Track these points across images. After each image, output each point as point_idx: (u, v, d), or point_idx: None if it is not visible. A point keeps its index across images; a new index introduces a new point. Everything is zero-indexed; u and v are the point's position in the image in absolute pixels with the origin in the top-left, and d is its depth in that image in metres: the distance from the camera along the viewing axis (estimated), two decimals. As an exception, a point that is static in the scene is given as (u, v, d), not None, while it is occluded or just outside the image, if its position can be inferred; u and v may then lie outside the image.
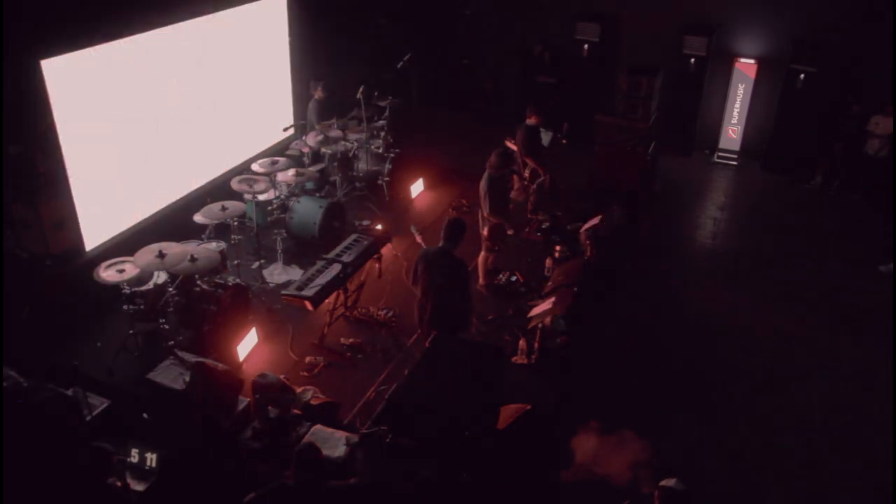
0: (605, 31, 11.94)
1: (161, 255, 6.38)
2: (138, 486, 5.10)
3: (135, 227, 8.02)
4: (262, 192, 7.91)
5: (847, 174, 10.97)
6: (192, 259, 6.48)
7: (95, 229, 7.56)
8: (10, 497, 4.62)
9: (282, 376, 5.92)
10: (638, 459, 5.92)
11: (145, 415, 5.73)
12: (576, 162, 10.35)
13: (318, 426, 5.51)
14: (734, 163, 12.00)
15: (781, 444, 6.47)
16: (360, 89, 9.42)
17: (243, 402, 5.84)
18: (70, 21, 6.80)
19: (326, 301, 7.01)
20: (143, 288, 6.78)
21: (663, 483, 4.40)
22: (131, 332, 6.80)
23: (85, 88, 7.16)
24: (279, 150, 9.86)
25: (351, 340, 7.29)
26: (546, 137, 9.73)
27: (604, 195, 9.40)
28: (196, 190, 8.81)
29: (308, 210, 8.36)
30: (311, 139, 9.31)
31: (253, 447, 5.40)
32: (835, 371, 7.39)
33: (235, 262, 7.95)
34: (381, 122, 10.04)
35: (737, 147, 11.98)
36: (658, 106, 11.68)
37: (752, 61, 11.46)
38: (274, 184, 8.27)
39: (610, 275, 8.00)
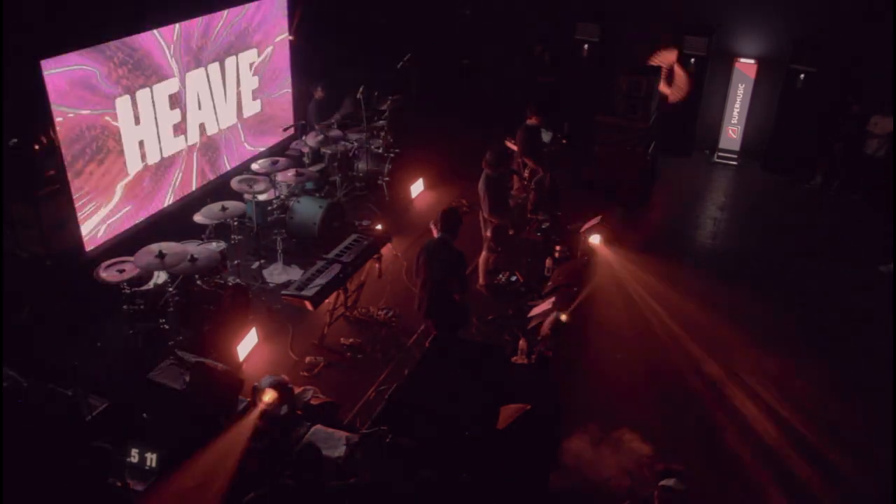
0: (605, 31, 11.94)
1: (161, 255, 6.38)
2: (138, 486, 5.10)
3: (135, 227, 8.01)
4: (262, 192, 7.92)
5: (847, 174, 10.97)
6: (192, 259, 6.48)
7: (95, 229, 7.56)
8: (10, 497, 4.62)
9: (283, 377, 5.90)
10: (636, 461, 5.93)
11: (145, 415, 5.73)
12: (576, 162, 10.35)
13: (318, 426, 5.51)
14: (734, 163, 12.00)
15: (781, 445, 6.46)
16: (360, 89, 9.42)
17: (243, 402, 5.83)
18: (70, 21, 6.80)
19: (326, 301, 7.01)
20: (143, 288, 6.78)
21: (663, 483, 4.40)
22: (131, 332, 6.80)
23: (85, 88, 7.16)
24: (279, 150, 9.87)
25: (351, 340, 7.29)
26: (546, 137, 9.74)
27: (604, 195, 9.41)
28: (196, 190, 8.81)
29: (308, 210, 8.36)
30: (311, 139, 9.31)
31: (253, 447, 5.40)
32: (835, 371, 7.38)
33: (235, 262, 7.95)
34: (381, 122, 10.05)
35: (737, 147, 11.98)
36: (658, 106, 11.67)
37: (752, 61, 11.46)
38: (274, 184, 8.27)
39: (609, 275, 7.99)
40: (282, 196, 8.40)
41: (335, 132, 9.55)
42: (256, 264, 8.14)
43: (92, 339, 6.97)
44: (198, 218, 7.75)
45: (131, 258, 6.55)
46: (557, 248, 8.31)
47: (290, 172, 8.42)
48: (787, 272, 9.06)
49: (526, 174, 9.19)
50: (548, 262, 8.19)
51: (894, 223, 9.42)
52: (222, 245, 7.54)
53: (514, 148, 9.11)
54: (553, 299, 6.83)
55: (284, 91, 10.34)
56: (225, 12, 8.82)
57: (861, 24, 10.45)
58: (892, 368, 7.20)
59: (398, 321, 7.57)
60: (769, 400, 6.99)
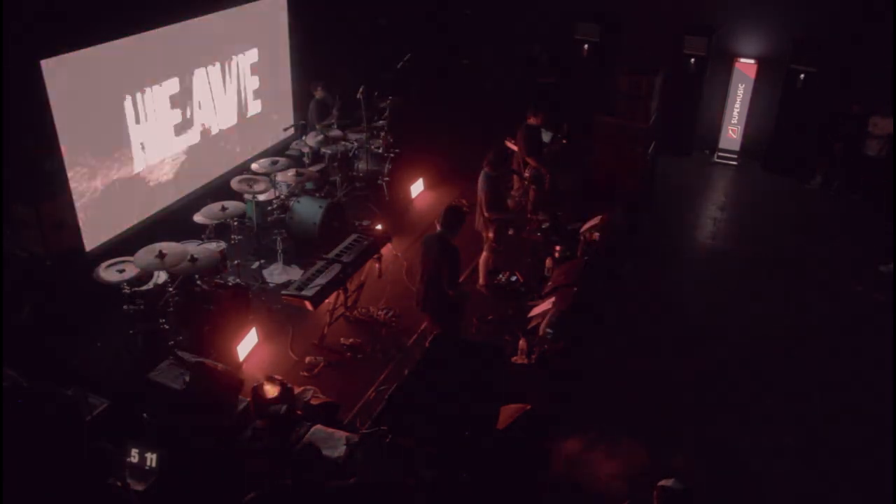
0: (605, 31, 11.93)
1: (161, 255, 6.38)
2: (138, 486, 5.10)
3: (135, 227, 8.02)
4: (262, 192, 7.92)
5: (847, 174, 10.96)
6: (192, 259, 6.48)
7: (95, 229, 7.56)
8: (10, 497, 4.62)
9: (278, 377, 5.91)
10: (634, 465, 5.94)
11: (145, 415, 5.73)
12: (576, 162, 10.35)
13: (318, 426, 5.51)
14: (734, 163, 12.00)
15: (781, 445, 6.46)
16: (360, 89, 9.42)
17: (243, 402, 5.84)
18: (70, 21, 6.80)
19: (326, 301, 7.01)
20: (143, 288, 6.78)
21: (662, 483, 4.40)
22: (131, 332, 6.80)
23: (85, 88, 7.16)
24: (279, 150, 9.87)
25: (351, 340, 7.29)
26: (546, 137, 9.74)
27: (604, 195, 9.40)
28: (196, 190, 8.81)
29: (308, 210, 8.36)
30: (311, 139, 9.31)
31: (253, 447, 5.40)
32: (835, 371, 7.38)
33: (235, 262, 7.94)
34: (381, 122, 10.05)
35: (737, 147, 11.97)
36: (658, 106, 11.67)
37: (752, 61, 11.46)
38: (274, 184, 8.27)
39: (610, 275, 7.99)
40: (282, 196, 8.40)
41: (335, 132, 9.55)
42: (256, 264, 8.14)
43: (92, 339, 6.97)
44: (198, 218, 7.75)
45: (131, 258, 6.55)
46: (557, 248, 8.31)
47: (290, 172, 8.41)
48: (787, 272, 9.06)
49: (526, 174, 9.19)
50: (548, 262, 8.18)
51: (894, 223, 9.42)
52: (222, 245, 7.53)
53: (515, 148, 9.11)
54: (553, 299, 6.83)
55: (284, 91, 10.34)
56: (225, 12, 8.82)
57: (861, 24, 10.45)
58: (893, 368, 7.20)
59: (398, 321, 7.57)
60: (769, 399, 6.99)
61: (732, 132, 11.94)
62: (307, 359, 6.99)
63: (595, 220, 8.15)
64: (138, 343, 6.82)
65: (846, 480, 6.14)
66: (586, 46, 12.08)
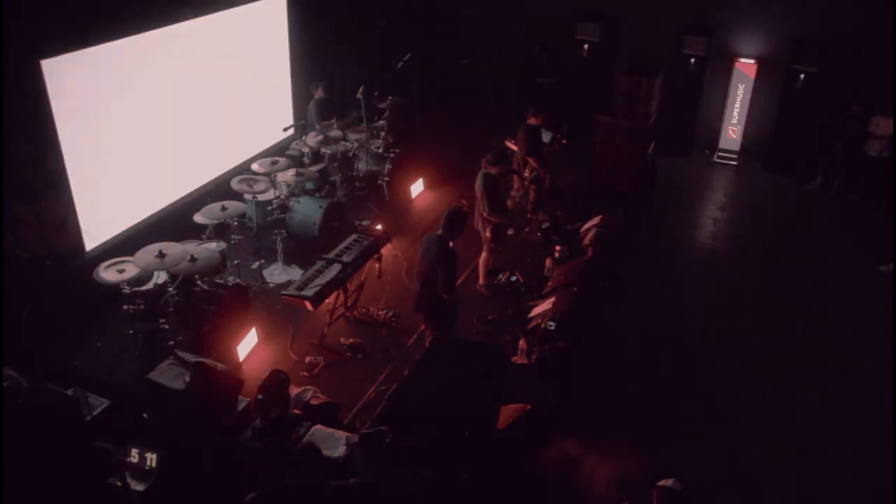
0: (605, 31, 11.94)
1: (161, 255, 6.38)
2: (138, 486, 5.10)
3: (135, 227, 8.02)
4: (262, 192, 7.92)
5: (847, 174, 10.96)
6: (192, 259, 6.48)
7: (95, 229, 7.56)
8: (10, 497, 4.62)
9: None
10: (633, 466, 5.94)
11: (145, 415, 5.73)
12: (576, 162, 10.35)
13: (318, 426, 5.50)
14: (734, 163, 12.00)
15: (781, 445, 6.46)
16: (360, 89, 9.42)
17: (243, 402, 5.84)
18: (70, 21, 6.80)
19: (326, 301, 7.01)
20: (143, 288, 6.78)
21: (661, 483, 4.40)
22: (131, 332, 6.81)
23: (85, 88, 7.16)
24: (279, 150, 9.87)
25: (351, 340, 7.29)
26: (546, 137, 9.74)
27: (604, 195, 9.40)
28: (196, 190, 8.81)
29: (308, 210, 8.36)
30: (311, 139, 9.31)
31: (253, 447, 5.40)
32: (835, 371, 7.38)
33: (235, 262, 7.95)
34: (381, 122, 10.05)
35: (737, 147, 11.97)
36: (658, 106, 11.67)
37: (752, 61, 11.46)
38: (274, 184, 8.27)
39: (610, 275, 7.99)
40: (282, 196, 8.40)
41: (335, 132, 9.55)
42: (256, 264, 8.14)
43: (92, 339, 6.97)
44: (198, 218, 7.75)
45: (131, 258, 6.55)
46: (557, 248, 8.31)
47: (290, 172, 8.41)
48: (787, 272, 9.06)
49: (526, 174, 9.19)
50: (548, 262, 8.19)
51: (894, 223, 9.42)
52: (222, 245, 7.54)
53: (515, 148, 9.11)
54: (553, 299, 6.83)
55: (284, 91, 10.34)
56: (226, 12, 8.82)
57: (861, 24, 10.45)
58: (893, 368, 7.20)
59: (398, 321, 7.57)
60: (768, 399, 6.99)
61: (732, 132, 11.94)
62: (307, 359, 6.99)
63: (595, 220, 8.15)
64: (138, 343, 6.82)
65: (846, 480, 6.14)
66: (586, 46, 12.08)
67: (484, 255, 8.02)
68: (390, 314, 7.67)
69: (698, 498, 4.49)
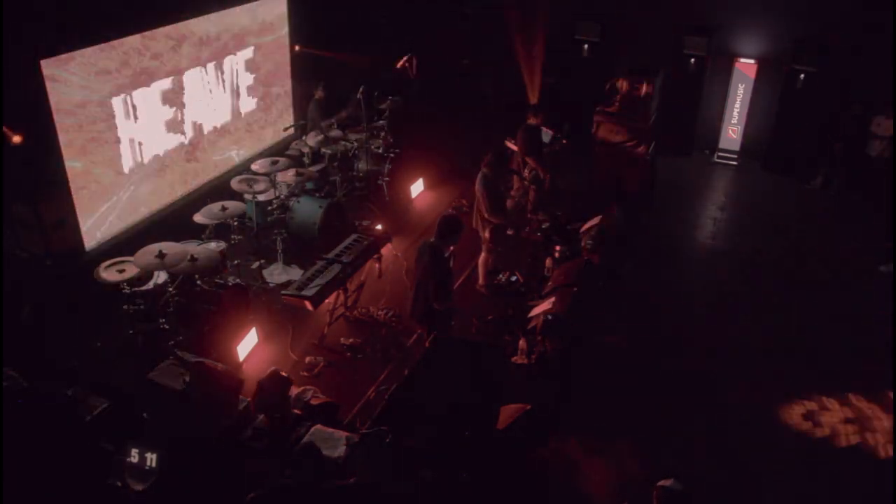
0: (605, 31, 11.93)
1: (161, 255, 6.38)
2: (138, 486, 5.10)
3: (135, 227, 8.02)
4: (262, 192, 7.92)
5: (847, 174, 10.96)
6: (192, 259, 6.48)
7: (95, 229, 7.57)
8: (10, 497, 4.62)
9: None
10: (633, 466, 5.94)
11: (145, 415, 5.73)
12: (576, 162, 10.35)
13: (318, 426, 5.50)
14: (734, 163, 12.00)
15: (781, 445, 6.46)
16: (360, 89, 9.42)
17: (243, 402, 5.83)
18: (70, 21, 6.80)
19: (326, 301, 7.02)
20: (143, 288, 6.79)
21: (661, 483, 4.40)
22: (131, 332, 6.81)
23: (85, 88, 7.16)
24: (279, 150, 9.87)
25: (351, 340, 7.29)
26: (546, 137, 9.74)
27: (604, 195, 9.40)
28: (196, 190, 8.81)
29: (308, 210, 8.36)
30: (311, 139, 9.31)
31: (253, 447, 5.40)
32: (835, 371, 7.38)
33: (235, 262, 7.95)
34: (381, 122, 10.05)
35: (737, 147, 11.97)
36: (658, 106, 11.67)
37: (752, 61, 11.45)
38: (274, 184, 8.27)
39: (610, 275, 7.99)
40: (282, 196, 8.40)
41: (335, 132, 9.55)
42: (256, 264, 8.14)
43: (92, 339, 6.97)
44: (198, 218, 7.75)
45: (131, 258, 6.55)
46: (557, 248, 8.31)
47: (290, 172, 8.41)
48: (787, 272, 9.06)
49: (526, 174, 9.19)
50: (548, 262, 8.19)
51: (894, 223, 9.42)
52: (222, 245, 7.54)
53: (515, 148, 9.11)
54: (553, 299, 6.83)
55: (284, 91, 10.34)
56: (224, 12, 8.82)
57: (861, 25, 10.45)
58: (892, 368, 7.20)
59: (398, 321, 7.56)
60: (768, 399, 6.99)
61: (732, 132, 11.94)
62: (307, 359, 6.99)
63: (595, 220, 8.15)
64: (138, 343, 6.82)
65: (847, 480, 6.14)
66: (586, 46, 12.08)
67: (483, 255, 8.02)
68: (390, 314, 7.67)
69: (698, 498, 4.49)
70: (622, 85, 10.46)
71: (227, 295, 6.89)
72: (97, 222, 7.58)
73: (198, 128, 8.81)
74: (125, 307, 6.70)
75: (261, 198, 8.06)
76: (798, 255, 9.47)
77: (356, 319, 7.62)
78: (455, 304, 6.75)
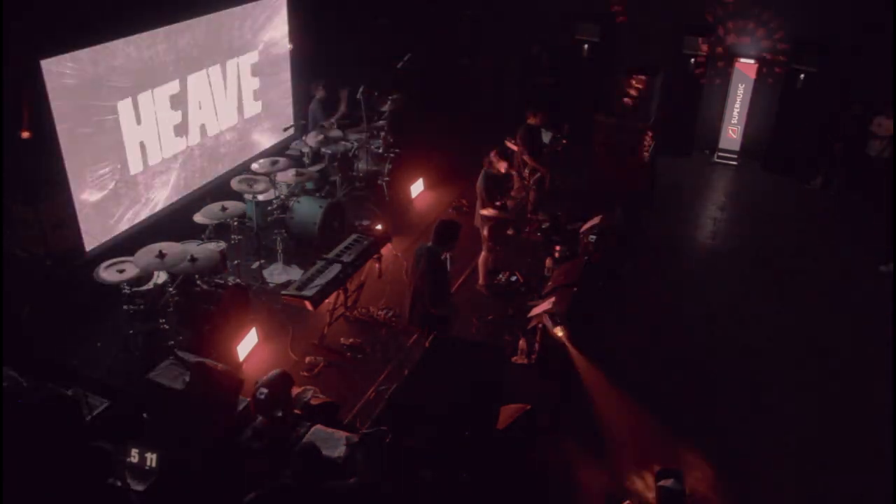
0: (605, 31, 11.94)
1: (161, 255, 6.38)
2: (138, 486, 5.10)
3: (135, 227, 8.02)
4: (262, 192, 7.92)
5: (847, 174, 10.96)
6: (192, 259, 6.48)
7: (95, 229, 7.56)
8: (10, 497, 4.62)
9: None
10: (633, 466, 5.93)
11: (145, 415, 5.73)
12: (576, 162, 10.35)
13: (318, 426, 5.51)
14: (734, 163, 12.00)
15: (781, 445, 6.46)
16: (360, 89, 9.42)
17: (243, 402, 5.83)
18: (70, 21, 6.80)
19: (326, 301, 7.01)
20: (143, 288, 6.78)
21: (661, 483, 4.40)
22: (131, 332, 6.80)
23: (85, 88, 7.16)
24: (279, 150, 9.87)
25: (351, 340, 7.29)
26: (546, 137, 9.74)
27: (604, 195, 9.40)
28: (196, 190, 8.81)
29: (308, 210, 8.36)
30: (311, 139, 9.31)
31: (253, 447, 5.40)
32: (835, 371, 7.38)
33: (235, 262, 7.95)
34: (381, 123, 10.04)
35: (737, 147, 11.97)
36: (658, 106, 11.67)
37: (752, 61, 11.46)
38: (274, 184, 8.26)
39: (610, 275, 7.99)
40: (282, 196, 8.40)
41: (335, 132, 9.55)
42: (256, 264, 8.14)
43: (92, 339, 6.97)
44: (198, 218, 7.75)
45: (131, 258, 6.55)
46: (557, 248, 8.31)
47: (290, 172, 8.41)
48: (787, 272, 9.06)
49: (526, 174, 9.19)
50: (548, 262, 8.19)
51: (894, 223, 9.42)
52: (222, 245, 7.53)
53: (515, 148, 9.11)
54: (553, 299, 6.83)
55: (285, 91, 10.34)
56: (225, 12, 8.82)
57: (861, 25, 10.45)
58: (892, 368, 7.20)
59: (398, 321, 7.56)
60: (768, 399, 6.99)
61: (732, 132, 11.94)
62: (307, 359, 6.99)
63: (595, 220, 8.15)
64: (138, 343, 6.82)
65: (847, 480, 6.14)
66: (586, 46, 12.08)
67: (483, 254, 8.02)
68: (390, 314, 7.67)
69: (698, 498, 4.50)
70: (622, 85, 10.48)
71: (227, 295, 6.89)
72: (97, 222, 7.58)
73: (201, 129, 8.80)
74: (125, 307, 6.70)
75: (261, 198, 8.05)
76: (798, 255, 9.47)
77: (356, 319, 7.62)
78: (454, 308, 6.74)
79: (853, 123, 10.60)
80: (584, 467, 6.03)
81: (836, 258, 9.40)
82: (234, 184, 7.94)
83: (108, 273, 6.52)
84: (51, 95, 6.80)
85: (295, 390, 5.90)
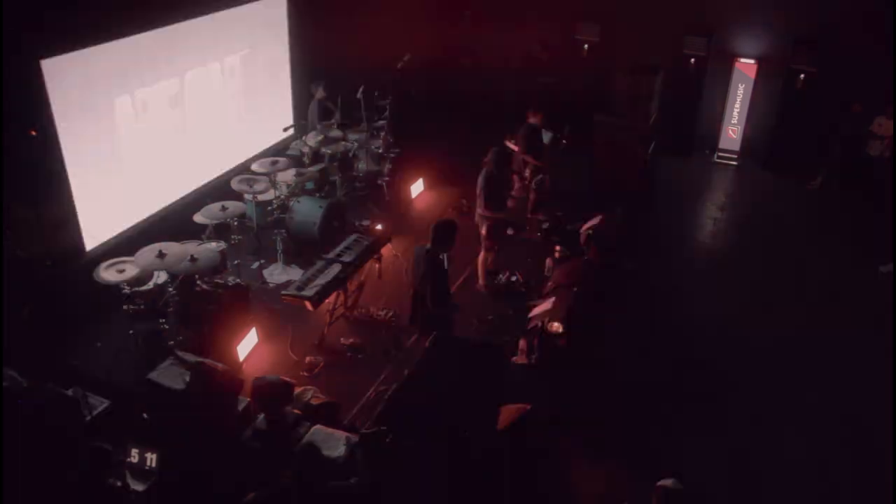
0: (605, 31, 11.93)
1: (161, 255, 6.38)
2: (138, 486, 5.10)
3: (135, 227, 8.02)
4: (262, 192, 7.92)
5: (847, 174, 10.96)
6: (192, 259, 6.48)
7: (95, 229, 7.56)
8: (10, 497, 4.62)
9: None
10: (633, 466, 5.93)
11: (145, 415, 5.73)
12: (576, 162, 10.35)
13: (318, 426, 5.50)
14: (734, 163, 12.00)
15: (781, 445, 6.46)
16: (360, 89, 9.42)
17: (243, 402, 5.83)
18: (70, 21, 6.80)
19: (326, 301, 7.02)
20: (143, 288, 6.78)
21: (661, 483, 4.40)
22: (131, 332, 6.81)
23: (85, 88, 7.16)
24: (279, 150, 9.87)
25: (351, 340, 7.29)
26: (546, 137, 9.74)
27: (604, 195, 9.40)
28: (196, 190, 8.81)
29: (308, 210, 8.36)
30: (311, 139, 9.31)
31: (253, 447, 5.39)
32: (835, 371, 7.38)
33: (235, 262, 7.95)
34: (381, 123, 10.04)
35: (737, 147, 11.97)
36: (658, 106, 11.67)
37: (752, 61, 11.46)
38: (274, 184, 8.27)
39: (610, 275, 7.98)
40: (282, 196, 8.39)
41: (335, 132, 9.55)
42: (256, 264, 8.15)
43: (92, 339, 6.97)
44: (198, 218, 7.75)
45: (131, 258, 6.55)
46: (557, 248, 8.29)
47: (290, 172, 8.41)
48: (788, 272, 9.06)
49: (526, 174, 9.19)
50: (548, 262, 8.18)
51: (894, 223, 9.42)
52: (222, 245, 7.54)
53: (515, 148, 9.11)
54: (553, 299, 6.82)
55: (284, 91, 10.34)
56: (226, 12, 8.82)
57: (861, 24, 10.45)
58: (892, 368, 7.19)
59: (398, 321, 7.56)
60: (769, 399, 6.99)
61: (732, 132, 11.94)
62: (307, 359, 6.99)
63: (595, 220, 8.14)
64: (138, 343, 6.82)
65: (847, 480, 6.14)
66: (586, 46, 12.07)
67: (482, 254, 8.02)
68: (390, 314, 7.67)
69: (698, 498, 4.49)
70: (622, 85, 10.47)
71: (227, 295, 6.89)
72: (97, 222, 7.57)
73: (200, 128, 8.80)
74: (125, 307, 6.70)
75: (261, 198, 8.06)
76: (798, 255, 9.47)
77: (356, 319, 7.61)
78: (455, 308, 6.75)
79: (853, 123, 10.60)
80: (583, 467, 6.03)
81: (836, 258, 9.40)
82: (234, 184, 7.94)
83: (108, 273, 6.53)
84: (51, 95, 6.80)
85: (295, 390, 5.89)
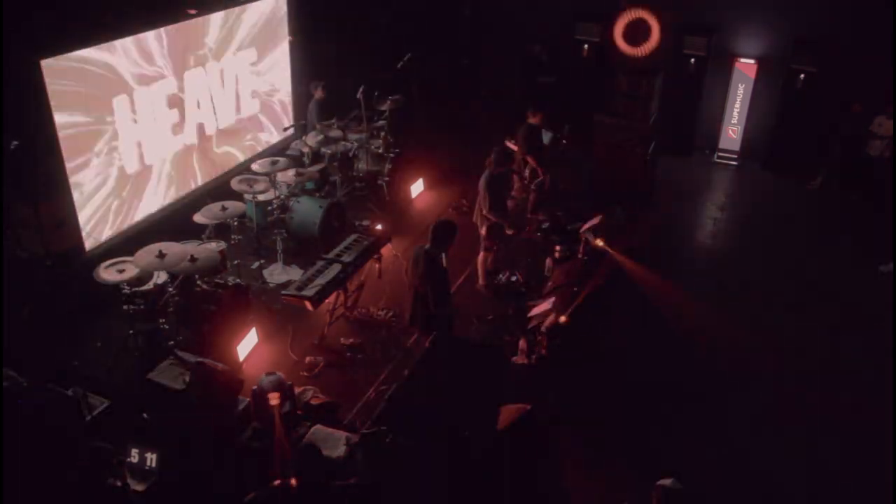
0: (605, 31, 11.94)
1: (161, 255, 6.38)
2: (138, 486, 5.10)
3: (135, 227, 8.02)
4: (262, 192, 7.92)
5: (847, 174, 10.96)
6: (192, 259, 6.48)
7: (95, 229, 7.56)
8: (10, 497, 4.62)
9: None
10: (633, 466, 5.93)
11: (145, 415, 5.73)
12: (576, 162, 10.35)
13: (318, 426, 5.51)
14: (734, 163, 12.00)
15: (781, 445, 6.46)
16: (360, 89, 9.42)
17: (243, 402, 5.84)
18: (70, 21, 6.80)
19: (326, 301, 7.02)
20: (143, 288, 6.78)
21: (660, 483, 4.40)
22: (131, 332, 6.80)
23: (85, 88, 7.16)
24: (279, 150, 9.87)
25: (351, 340, 7.29)
26: (546, 137, 9.74)
27: (604, 195, 9.40)
28: (196, 190, 8.81)
29: (308, 210, 8.36)
30: (311, 139, 9.31)
31: (253, 447, 5.40)
32: (835, 371, 7.38)
33: (235, 262, 7.95)
34: (381, 122, 10.05)
35: (737, 147, 11.97)
36: (658, 106, 11.67)
37: (752, 61, 11.46)
38: (274, 184, 8.26)
39: (609, 275, 7.98)
40: (282, 196, 8.39)
41: (335, 132, 9.55)
42: (256, 264, 8.14)
43: (92, 339, 6.97)
44: (198, 218, 7.75)
45: (131, 258, 6.55)
46: (557, 248, 8.30)
47: (290, 172, 8.41)
48: (788, 272, 9.06)
49: (526, 174, 9.19)
50: (548, 262, 8.18)
51: (894, 223, 9.42)
52: (222, 245, 7.53)
53: (515, 148, 9.11)
54: (553, 299, 6.83)
55: (284, 91, 10.34)
56: (224, 12, 8.82)
57: (861, 24, 10.45)
58: (892, 368, 7.20)
59: (398, 321, 7.56)
60: (768, 399, 6.99)
61: (732, 132, 11.94)
62: (307, 359, 6.99)
63: (595, 220, 8.14)
64: (138, 343, 6.82)
65: (847, 480, 6.14)
66: (586, 46, 12.08)
67: (482, 254, 8.02)
68: (390, 314, 7.67)
69: (698, 498, 4.49)
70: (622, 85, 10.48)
71: (227, 295, 6.89)
72: (97, 222, 7.58)
73: (199, 128, 8.80)
74: (125, 307, 6.70)
75: (261, 198, 8.05)
76: (798, 255, 9.47)
77: (356, 319, 7.62)
78: (454, 308, 6.75)
79: (853, 123, 10.60)
80: (583, 467, 6.03)
81: (836, 258, 9.40)
82: (234, 184, 7.94)
83: (108, 273, 6.53)
84: (50, 95, 6.80)
85: (295, 390, 5.90)
